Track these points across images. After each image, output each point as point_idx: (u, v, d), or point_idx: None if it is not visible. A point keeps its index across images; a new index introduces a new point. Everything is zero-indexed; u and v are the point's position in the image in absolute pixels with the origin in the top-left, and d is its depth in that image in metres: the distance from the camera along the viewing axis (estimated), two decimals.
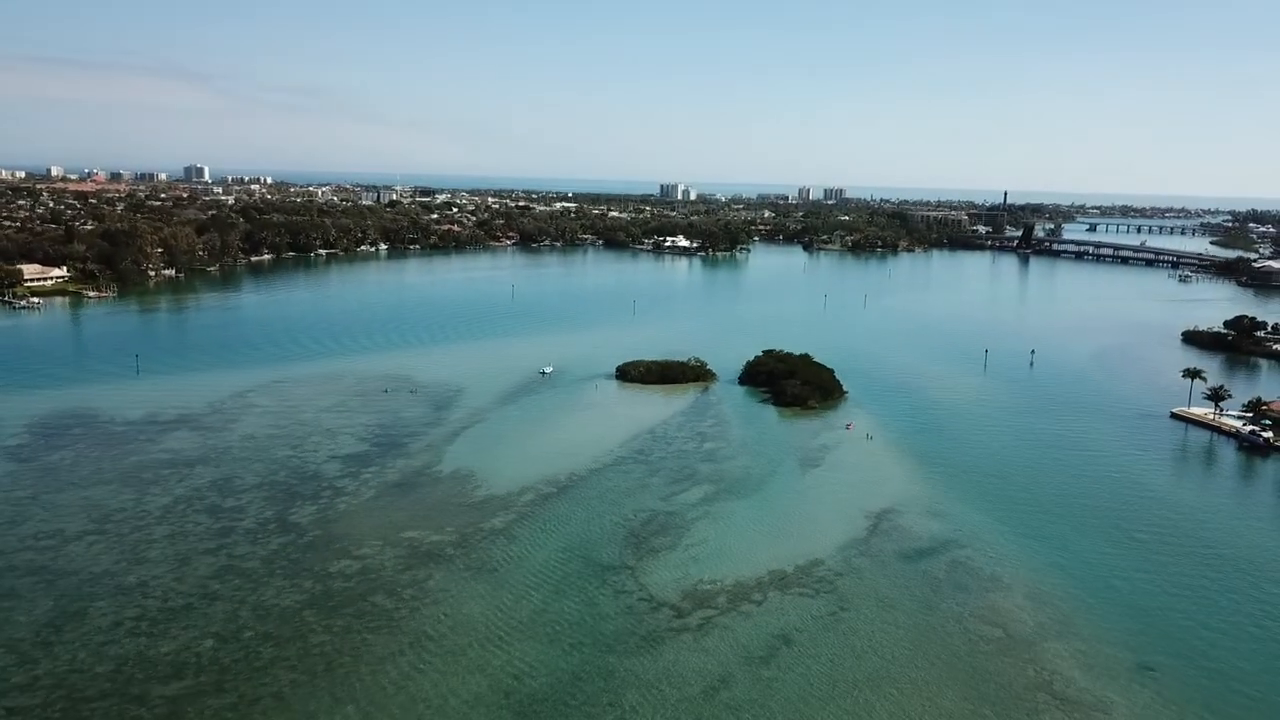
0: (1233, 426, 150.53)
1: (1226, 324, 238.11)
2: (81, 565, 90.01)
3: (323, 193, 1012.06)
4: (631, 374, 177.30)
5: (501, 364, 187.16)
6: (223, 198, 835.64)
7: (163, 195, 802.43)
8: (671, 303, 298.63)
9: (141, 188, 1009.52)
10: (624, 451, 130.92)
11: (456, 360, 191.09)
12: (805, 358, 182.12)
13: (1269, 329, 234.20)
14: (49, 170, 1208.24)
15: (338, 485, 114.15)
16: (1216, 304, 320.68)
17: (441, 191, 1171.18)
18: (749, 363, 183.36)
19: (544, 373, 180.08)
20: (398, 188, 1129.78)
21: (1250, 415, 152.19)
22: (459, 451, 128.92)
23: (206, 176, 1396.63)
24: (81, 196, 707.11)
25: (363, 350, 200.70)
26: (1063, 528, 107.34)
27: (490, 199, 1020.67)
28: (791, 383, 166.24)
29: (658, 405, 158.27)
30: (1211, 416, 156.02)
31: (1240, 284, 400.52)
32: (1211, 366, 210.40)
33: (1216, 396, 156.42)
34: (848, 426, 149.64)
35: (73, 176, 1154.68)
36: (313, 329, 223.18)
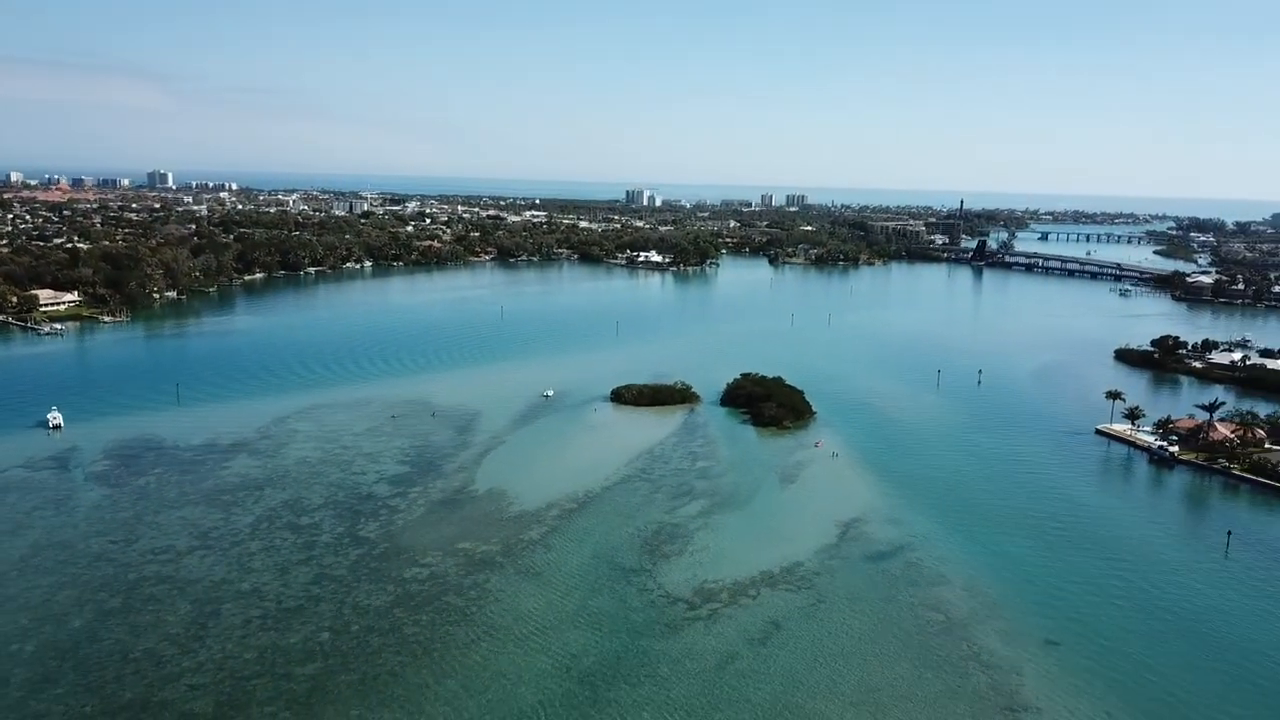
0: (1146, 442, 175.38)
1: (1153, 343, 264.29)
2: (201, 575, 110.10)
3: (293, 201, 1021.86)
4: (625, 397, 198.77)
5: (506, 388, 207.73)
6: (194, 208, 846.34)
7: (135, 206, 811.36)
8: (651, 323, 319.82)
9: (109, 196, 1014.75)
10: (629, 470, 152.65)
11: (466, 384, 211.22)
12: (778, 380, 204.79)
13: (1189, 348, 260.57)
14: (9, 176, 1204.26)
15: (391, 504, 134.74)
16: (1150, 319, 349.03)
17: (411, 198, 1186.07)
18: (729, 385, 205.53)
19: (546, 396, 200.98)
20: (367, 195, 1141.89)
21: (1160, 432, 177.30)
22: (488, 472, 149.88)
23: (170, 182, 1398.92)
24: (54, 208, 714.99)
25: (379, 375, 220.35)
26: (995, 532, 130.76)
27: (460, 207, 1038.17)
28: (768, 405, 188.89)
29: (652, 427, 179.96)
30: (1129, 433, 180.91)
31: (1175, 298, 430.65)
32: (1139, 384, 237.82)
33: (1132, 415, 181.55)
34: (817, 444, 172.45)
35: (33, 182, 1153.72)
36: (326, 354, 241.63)
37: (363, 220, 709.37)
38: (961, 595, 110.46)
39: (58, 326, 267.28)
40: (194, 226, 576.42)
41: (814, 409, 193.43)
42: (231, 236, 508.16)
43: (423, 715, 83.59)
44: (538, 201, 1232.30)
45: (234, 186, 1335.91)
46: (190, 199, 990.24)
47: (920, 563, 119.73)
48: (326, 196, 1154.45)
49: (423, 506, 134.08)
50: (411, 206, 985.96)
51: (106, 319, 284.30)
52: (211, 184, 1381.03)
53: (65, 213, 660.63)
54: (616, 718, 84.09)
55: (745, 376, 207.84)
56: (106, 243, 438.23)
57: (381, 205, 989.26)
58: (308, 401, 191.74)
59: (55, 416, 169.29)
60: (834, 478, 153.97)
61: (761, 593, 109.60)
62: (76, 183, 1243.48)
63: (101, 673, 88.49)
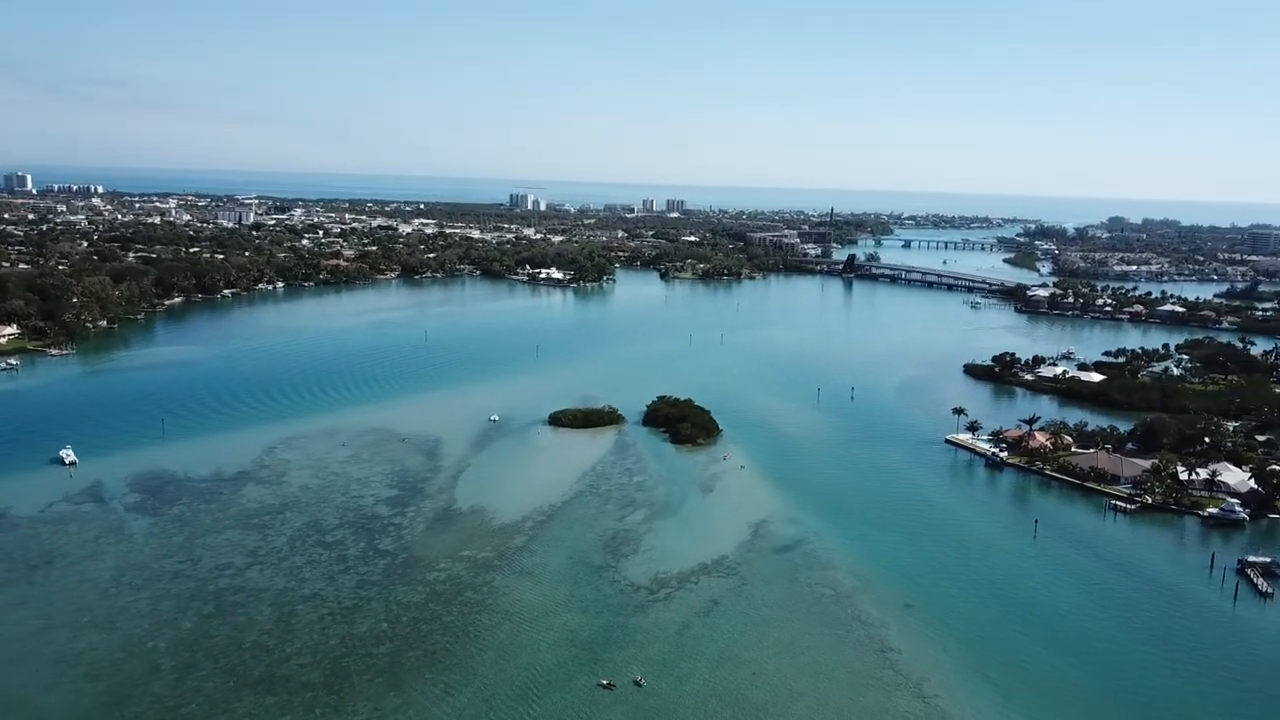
0: (983, 450, 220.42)
1: (993, 359, 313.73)
2: (266, 585, 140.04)
3: (173, 209, 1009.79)
4: (562, 420, 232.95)
5: (454, 413, 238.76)
6: (71, 218, 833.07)
7: (7, 217, 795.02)
8: (566, 345, 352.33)
9: None
10: (580, 486, 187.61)
11: (418, 410, 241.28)
12: (689, 402, 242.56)
13: (1022, 363, 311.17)
14: None
15: (396, 522, 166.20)
16: (995, 333, 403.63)
17: (293, 203, 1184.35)
18: (649, 407, 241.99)
19: (492, 420, 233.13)
20: (250, 201, 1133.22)
21: (994, 441, 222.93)
22: (465, 491, 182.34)
23: (29, 185, 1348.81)
24: None
25: (337, 404, 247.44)
26: (868, 526, 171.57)
27: (347, 214, 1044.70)
28: (684, 425, 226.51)
29: (589, 447, 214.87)
30: (970, 441, 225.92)
31: (1017, 310, 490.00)
32: (982, 395, 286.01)
33: (973, 427, 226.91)
34: (725, 457, 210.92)
35: None
36: (278, 385, 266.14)
37: (255, 232, 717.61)
38: (845, 575, 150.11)
39: (12, 361, 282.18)
40: (85, 244, 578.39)
41: (720, 427, 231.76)
42: (131, 255, 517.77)
43: (477, 675, 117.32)
44: (422, 206, 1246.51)
45: (101, 190, 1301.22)
46: (63, 207, 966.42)
47: (814, 552, 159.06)
48: (205, 202, 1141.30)
49: (422, 523, 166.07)
50: (298, 214, 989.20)
51: (53, 352, 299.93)
52: (75, 187, 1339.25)
53: None
54: (614, 670, 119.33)
55: (661, 399, 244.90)
56: (6, 264, 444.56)
57: (266, 213, 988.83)
58: (284, 432, 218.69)
59: (69, 454, 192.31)
60: (743, 486, 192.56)
61: (701, 579, 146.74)
62: None
63: (228, 659, 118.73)
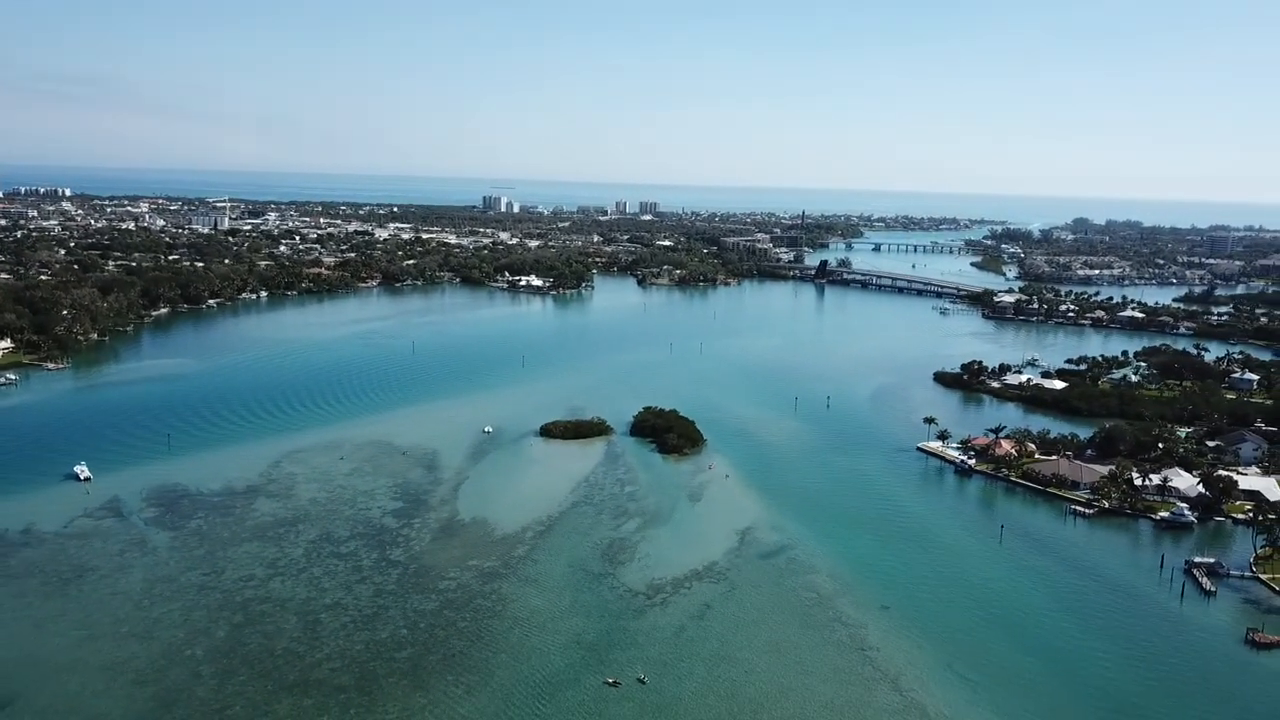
0: (953, 457, 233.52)
1: (962, 367, 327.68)
2: (289, 595, 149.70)
3: (146, 213, 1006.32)
4: (554, 431, 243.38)
5: (449, 425, 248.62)
6: (44, 223, 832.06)
7: None
8: (551, 354, 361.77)
9: None
10: (575, 496, 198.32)
11: (414, 423, 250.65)
12: (674, 413, 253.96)
13: (989, 371, 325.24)
14: None
15: (404, 534, 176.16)
16: (963, 340, 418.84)
17: (267, 206, 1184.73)
18: (636, 417, 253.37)
19: (487, 431, 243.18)
20: (222, 204, 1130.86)
21: (962, 448, 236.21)
22: (466, 503, 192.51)
23: None
24: None
25: (335, 417, 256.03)
26: (846, 531, 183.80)
27: (322, 219, 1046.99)
28: (670, 435, 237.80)
29: (581, 458, 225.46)
30: (941, 449, 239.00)
31: (985, 316, 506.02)
32: (951, 402, 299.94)
33: (942, 436, 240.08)
34: (710, 467, 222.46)
35: None
36: (274, 397, 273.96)
37: (231, 238, 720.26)
38: (826, 579, 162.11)
39: (10, 376, 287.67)
40: (63, 252, 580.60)
41: (705, 436, 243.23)
42: (111, 264, 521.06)
43: (494, 676, 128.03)
44: (395, 210, 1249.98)
45: (69, 192, 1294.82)
46: (34, 212, 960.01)
47: (797, 557, 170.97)
48: (178, 206, 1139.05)
49: (429, 534, 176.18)
50: (272, 219, 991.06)
51: (49, 365, 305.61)
52: (43, 189, 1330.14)
53: None
54: (618, 669, 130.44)
55: (647, 410, 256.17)
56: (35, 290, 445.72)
57: (240, 217, 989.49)
58: (285, 445, 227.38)
59: (83, 469, 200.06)
60: (728, 495, 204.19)
61: (693, 584, 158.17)
62: None
63: (263, 665, 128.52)
